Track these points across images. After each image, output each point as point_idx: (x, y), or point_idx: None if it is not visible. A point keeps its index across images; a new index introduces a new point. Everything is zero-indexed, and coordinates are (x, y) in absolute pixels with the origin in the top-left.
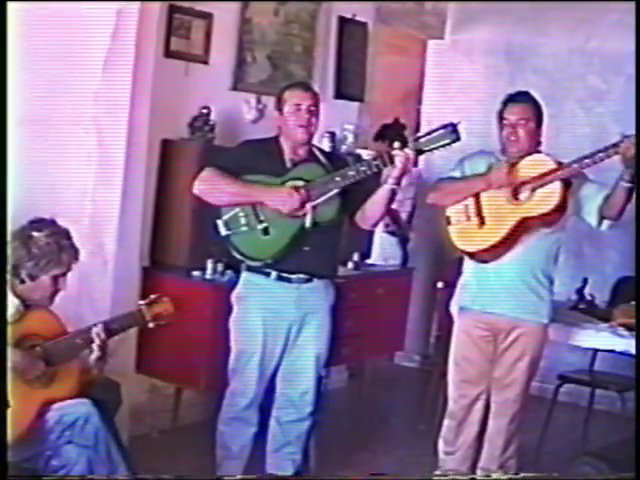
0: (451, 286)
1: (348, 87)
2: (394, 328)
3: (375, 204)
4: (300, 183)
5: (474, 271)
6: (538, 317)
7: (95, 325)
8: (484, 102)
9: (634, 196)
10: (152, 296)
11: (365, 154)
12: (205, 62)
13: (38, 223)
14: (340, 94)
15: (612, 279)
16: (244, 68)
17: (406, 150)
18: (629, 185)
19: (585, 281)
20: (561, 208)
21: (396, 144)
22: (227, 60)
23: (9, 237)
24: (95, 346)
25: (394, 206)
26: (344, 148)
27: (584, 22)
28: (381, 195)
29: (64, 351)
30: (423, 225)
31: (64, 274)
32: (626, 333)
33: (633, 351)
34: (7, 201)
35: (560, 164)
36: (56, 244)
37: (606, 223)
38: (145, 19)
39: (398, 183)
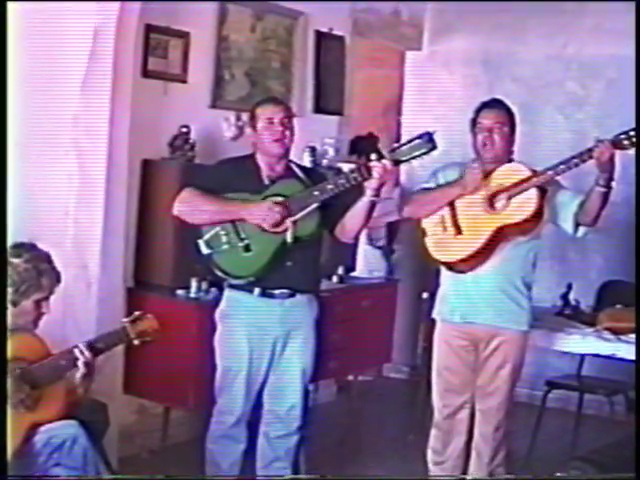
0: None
1: (327, 101)
2: (381, 340)
3: (354, 217)
4: (279, 199)
5: (452, 282)
6: (518, 325)
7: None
8: (464, 112)
9: (609, 201)
10: (136, 313)
11: (346, 168)
12: (183, 81)
13: (17, 248)
14: (319, 108)
15: (597, 284)
16: (222, 86)
17: (383, 161)
18: (604, 190)
19: (569, 286)
20: (538, 215)
21: (373, 156)
22: (205, 78)
23: None
24: (80, 363)
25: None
26: (325, 162)
27: (561, 28)
28: (360, 207)
29: (49, 373)
30: (406, 236)
31: (46, 298)
32: (612, 337)
33: (619, 354)
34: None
35: (535, 171)
36: (35, 269)
37: (582, 230)
38: (122, 39)
39: (377, 195)
